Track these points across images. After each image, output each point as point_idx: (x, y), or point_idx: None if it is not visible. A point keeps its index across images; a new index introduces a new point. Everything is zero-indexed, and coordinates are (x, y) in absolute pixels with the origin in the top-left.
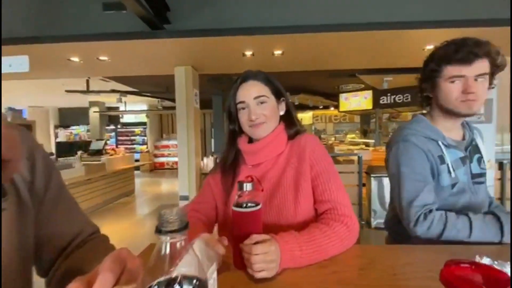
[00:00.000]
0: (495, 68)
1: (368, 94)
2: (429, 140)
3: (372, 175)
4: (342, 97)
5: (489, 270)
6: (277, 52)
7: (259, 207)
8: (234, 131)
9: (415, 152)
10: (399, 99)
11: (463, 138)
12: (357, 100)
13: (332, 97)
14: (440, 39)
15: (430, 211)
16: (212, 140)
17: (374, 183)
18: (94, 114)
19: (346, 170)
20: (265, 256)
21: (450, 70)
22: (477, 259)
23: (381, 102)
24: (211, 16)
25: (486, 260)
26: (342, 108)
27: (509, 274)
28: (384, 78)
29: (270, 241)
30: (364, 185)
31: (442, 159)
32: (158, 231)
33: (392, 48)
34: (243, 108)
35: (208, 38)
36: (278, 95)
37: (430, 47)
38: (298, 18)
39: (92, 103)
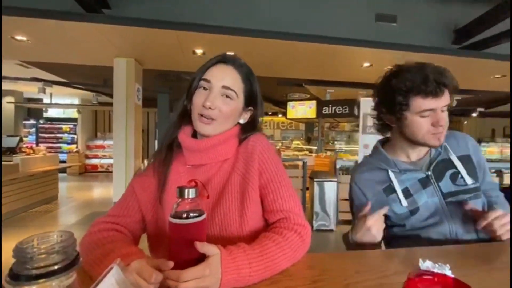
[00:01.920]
0: (453, 95)
1: (313, 104)
2: (378, 171)
3: (315, 179)
4: (290, 105)
5: (450, 281)
6: (229, 54)
7: (203, 216)
8: (186, 110)
9: (355, 193)
10: (339, 110)
11: (424, 156)
12: (302, 109)
13: (281, 105)
14: (376, 59)
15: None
16: (156, 142)
17: (316, 187)
18: (7, 105)
19: (291, 175)
20: (197, 283)
21: (420, 103)
22: (420, 262)
23: (323, 112)
24: (158, 6)
25: (428, 264)
26: (289, 115)
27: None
28: (327, 90)
29: (206, 262)
30: (307, 189)
31: (390, 189)
32: (14, 277)
33: (335, 62)
34: (204, 89)
35: (154, 30)
36: (248, 101)
37: (367, 64)
38: (251, 21)
39: (6, 92)
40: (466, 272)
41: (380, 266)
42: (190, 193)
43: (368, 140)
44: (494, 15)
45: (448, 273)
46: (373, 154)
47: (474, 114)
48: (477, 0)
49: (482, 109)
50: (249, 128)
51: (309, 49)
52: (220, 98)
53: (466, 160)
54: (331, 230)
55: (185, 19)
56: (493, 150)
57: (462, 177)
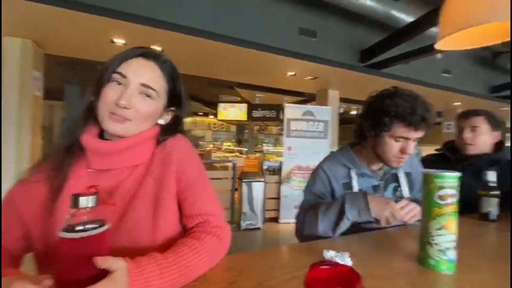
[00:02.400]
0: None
1: (244, 106)
2: (343, 167)
3: (243, 180)
4: (221, 106)
5: (344, 270)
6: (153, 48)
7: (104, 228)
8: (92, 106)
9: (318, 177)
10: (267, 114)
11: (381, 169)
12: (233, 111)
13: (212, 105)
14: (299, 69)
15: (303, 210)
16: None
17: (245, 188)
18: None
19: (221, 176)
20: None
21: (400, 131)
22: (324, 252)
23: (253, 115)
24: None
25: (331, 253)
26: (220, 117)
27: (349, 262)
28: (257, 94)
29: (109, 278)
30: (236, 189)
31: (348, 186)
32: None
33: (263, 68)
34: (118, 83)
35: (59, 8)
36: (171, 101)
37: (291, 73)
38: (180, 17)
39: None
40: (363, 257)
41: (293, 260)
42: (88, 201)
43: (291, 143)
44: (389, 41)
45: (348, 260)
46: (342, 152)
47: None
48: (377, 27)
49: None
50: (170, 129)
51: (239, 52)
52: (138, 96)
53: (408, 176)
54: (258, 228)
55: (103, 2)
56: None
57: (401, 190)
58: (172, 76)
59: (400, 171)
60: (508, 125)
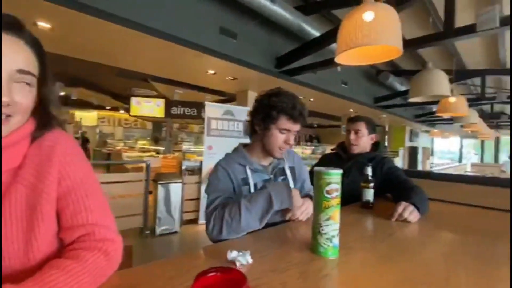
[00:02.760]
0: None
1: (161, 102)
2: (238, 165)
3: (159, 182)
4: (134, 100)
5: (230, 273)
6: (43, 25)
7: None
8: None
9: (220, 173)
10: (188, 112)
11: (271, 163)
12: (149, 107)
13: (123, 99)
14: (219, 68)
15: (215, 208)
16: None
17: (161, 190)
18: None
19: (134, 179)
20: None
21: (284, 123)
22: (228, 253)
23: (172, 112)
24: None
25: (234, 253)
26: (134, 112)
27: (250, 260)
28: (176, 90)
29: None
30: (151, 192)
31: (245, 181)
32: None
33: (182, 63)
34: None
35: None
36: (40, 86)
37: (211, 71)
38: None
39: None
40: (264, 253)
41: (195, 267)
42: None
43: (212, 142)
44: (300, 52)
45: (248, 258)
46: (236, 152)
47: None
48: (292, 37)
49: None
50: (46, 123)
51: (155, 44)
52: (18, 86)
53: (292, 170)
54: (175, 232)
55: None
56: (298, 151)
57: (288, 182)
58: (41, 54)
59: (286, 165)
60: (387, 129)
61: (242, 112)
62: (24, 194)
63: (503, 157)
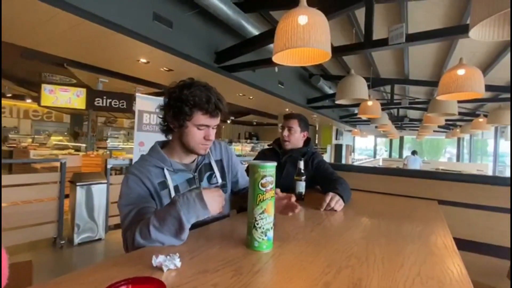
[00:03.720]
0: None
1: (82, 92)
2: (155, 168)
3: (78, 183)
4: (46, 89)
5: (146, 283)
6: None
7: None
8: None
9: (132, 182)
10: (115, 104)
11: (194, 161)
12: (67, 96)
13: (31, 86)
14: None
15: (130, 228)
16: None
17: (80, 193)
18: None
19: (44, 180)
20: None
21: (200, 118)
22: (153, 259)
23: (96, 103)
24: None
25: (160, 258)
26: (46, 102)
27: (178, 264)
28: (100, 79)
29: None
30: (67, 196)
31: (163, 185)
32: None
33: (108, 48)
34: None
35: None
36: None
37: (144, 60)
38: None
39: None
40: (195, 254)
41: (115, 276)
42: None
43: (143, 137)
44: (239, 48)
45: (177, 261)
46: (151, 153)
47: (228, 121)
48: (231, 33)
49: (233, 118)
50: None
51: (73, 23)
52: None
53: (219, 163)
54: (99, 239)
55: None
56: (238, 148)
57: (215, 177)
58: None
59: (211, 159)
60: (317, 127)
61: None
62: None
63: (405, 153)
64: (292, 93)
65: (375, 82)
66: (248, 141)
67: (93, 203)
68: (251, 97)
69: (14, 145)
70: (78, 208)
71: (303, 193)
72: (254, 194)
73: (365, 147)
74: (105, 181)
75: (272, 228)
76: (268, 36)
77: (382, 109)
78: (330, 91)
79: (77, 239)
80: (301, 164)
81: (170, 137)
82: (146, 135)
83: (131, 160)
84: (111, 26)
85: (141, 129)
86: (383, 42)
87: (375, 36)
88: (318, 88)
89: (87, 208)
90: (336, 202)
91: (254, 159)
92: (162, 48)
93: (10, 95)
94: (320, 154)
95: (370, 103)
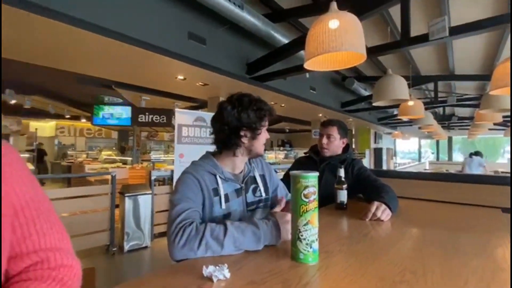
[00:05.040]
0: None
1: (127, 109)
2: (208, 174)
3: (126, 194)
4: (97, 109)
5: None
6: None
7: None
8: None
9: (191, 182)
10: (156, 119)
11: (242, 172)
12: (115, 114)
13: (84, 107)
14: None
15: (190, 223)
16: None
17: (128, 203)
18: None
19: (97, 192)
20: None
21: (265, 124)
22: (204, 269)
23: (139, 120)
24: None
25: (210, 269)
26: (97, 121)
27: (227, 275)
28: (142, 97)
29: None
30: (117, 206)
31: (216, 192)
32: None
33: (149, 69)
34: None
35: None
36: None
37: (181, 77)
38: None
39: None
40: (241, 265)
41: (165, 285)
42: None
43: (183, 149)
44: (270, 58)
45: (226, 272)
46: (204, 160)
47: None
48: (261, 44)
49: None
50: None
51: (119, 49)
52: None
53: (263, 178)
54: (146, 247)
55: None
56: (271, 156)
57: (260, 190)
58: None
59: (256, 173)
60: (354, 131)
61: None
62: None
63: (455, 155)
64: (325, 98)
65: (415, 80)
66: (281, 148)
67: (139, 213)
68: (282, 105)
69: (72, 161)
70: (127, 218)
71: (345, 202)
72: (297, 205)
73: (407, 150)
74: (150, 191)
75: (317, 240)
76: (298, 44)
77: (426, 109)
78: (366, 93)
79: (126, 246)
80: (341, 172)
81: (218, 150)
82: (186, 147)
83: (172, 171)
84: (151, 48)
85: (181, 141)
86: (422, 38)
87: (413, 33)
88: (353, 90)
89: (134, 218)
90: (382, 211)
91: (290, 168)
92: (197, 64)
93: (68, 116)
94: (360, 161)
95: (411, 103)
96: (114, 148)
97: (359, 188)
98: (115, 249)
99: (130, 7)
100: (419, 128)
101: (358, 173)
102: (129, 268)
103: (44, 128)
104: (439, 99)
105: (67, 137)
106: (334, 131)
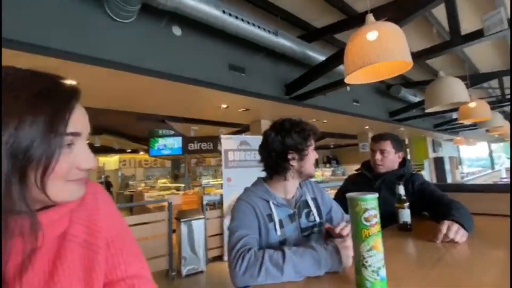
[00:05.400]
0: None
1: (178, 140)
2: (261, 200)
3: (182, 220)
4: (153, 141)
5: None
6: (70, 82)
7: None
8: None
9: (246, 208)
10: (204, 146)
11: (293, 197)
12: (168, 145)
13: (142, 141)
14: (231, 101)
15: (249, 250)
16: None
17: (184, 228)
18: None
19: (156, 219)
20: None
21: (311, 143)
22: None
23: (189, 148)
24: None
25: None
26: (153, 153)
27: None
28: (191, 127)
29: None
30: (174, 231)
31: (270, 217)
32: None
33: (196, 102)
34: (69, 145)
35: None
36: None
37: (224, 106)
38: (99, 50)
39: None
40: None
41: None
42: None
43: (230, 173)
44: (307, 77)
45: None
46: (256, 186)
47: None
48: (298, 64)
49: None
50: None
51: (168, 87)
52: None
53: (315, 201)
54: (201, 272)
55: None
56: (318, 173)
57: (313, 214)
58: None
59: (308, 197)
60: (407, 141)
61: (258, 141)
62: (80, 254)
63: None
64: (370, 109)
65: (474, 79)
66: (328, 165)
67: (193, 237)
68: (325, 121)
69: (134, 190)
70: (183, 242)
71: (409, 222)
72: (358, 229)
73: (475, 157)
74: (203, 216)
75: (384, 266)
76: (335, 59)
77: (492, 108)
78: (416, 99)
79: (184, 271)
80: (401, 190)
81: (268, 176)
82: (233, 171)
83: (221, 195)
84: (197, 83)
85: (228, 166)
86: (476, 35)
87: (464, 30)
88: (400, 98)
89: (189, 242)
90: (455, 232)
91: (343, 188)
92: (238, 92)
93: (129, 150)
94: (421, 175)
95: (472, 104)
96: (168, 176)
97: (422, 205)
98: (174, 273)
99: (178, 50)
100: (487, 131)
101: (420, 189)
102: None
103: (109, 162)
104: (507, 96)
105: (128, 169)
106: (388, 146)
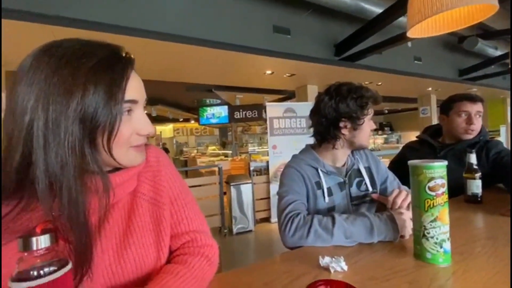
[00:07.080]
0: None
1: (225, 109)
2: (310, 167)
3: (231, 183)
4: (202, 111)
5: (339, 285)
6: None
7: (65, 269)
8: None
9: (295, 175)
10: (249, 115)
11: (344, 165)
12: (216, 114)
13: (192, 110)
14: (276, 67)
15: (298, 214)
16: None
17: (233, 191)
18: None
19: (209, 182)
20: None
21: (368, 112)
22: (320, 259)
23: (235, 116)
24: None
25: (327, 259)
26: (203, 121)
27: (344, 267)
28: (236, 96)
29: None
30: (225, 193)
31: (318, 185)
32: None
33: (240, 69)
34: (128, 111)
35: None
36: None
37: (269, 72)
38: (147, 22)
39: None
40: (357, 259)
41: (286, 271)
42: (40, 242)
43: (275, 141)
44: (361, 34)
45: (343, 265)
46: (305, 153)
47: None
48: (350, 20)
49: None
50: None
51: (214, 55)
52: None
53: (368, 170)
54: (250, 231)
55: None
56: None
57: (365, 184)
58: None
59: (361, 166)
60: None
61: (304, 108)
62: (148, 209)
63: None
64: (435, 67)
65: None
66: (380, 132)
67: (242, 200)
68: (379, 83)
69: (187, 156)
70: (233, 204)
71: (479, 194)
72: (420, 199)
73: None
74: (250, 181)
75: (449, 240)
76: (395, 10)
77: None
78: (497, 53)
79: (235, 229)
80: (473, 158)
81: (317, 144)
82: (278, 139)
83: (267, 162)
84: (242, 49)
85: (273, 133)
86: None
87: None
88: (476, 52)
89: (238, 204)
90: None
91: (400, 157)
92: (284, 56)
93: (181, 119)
94: (499, 142)
95: None
96: (217, 143)
97: (498, 176)
98: (226, 230)
99: (221, 15)
100: None
101: (495, 158)
102: (239, 248)
103: (165, 130)
104: None
105: (181, 137)
106: (482, 108)
